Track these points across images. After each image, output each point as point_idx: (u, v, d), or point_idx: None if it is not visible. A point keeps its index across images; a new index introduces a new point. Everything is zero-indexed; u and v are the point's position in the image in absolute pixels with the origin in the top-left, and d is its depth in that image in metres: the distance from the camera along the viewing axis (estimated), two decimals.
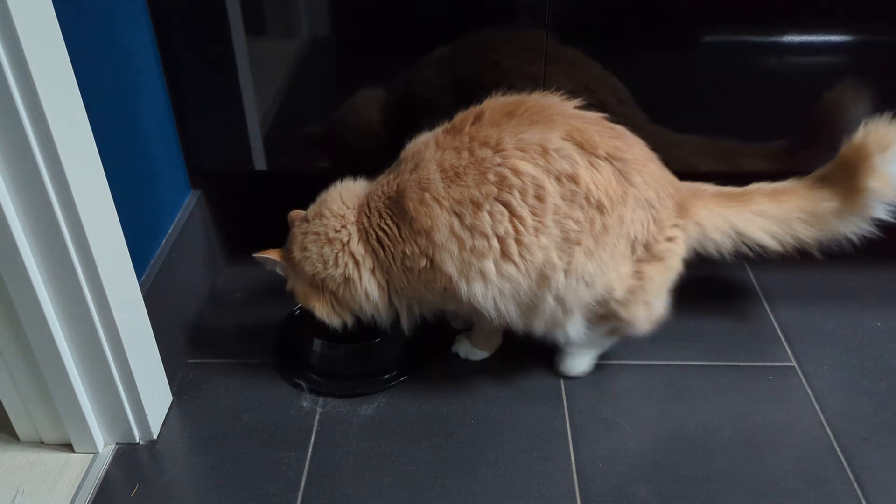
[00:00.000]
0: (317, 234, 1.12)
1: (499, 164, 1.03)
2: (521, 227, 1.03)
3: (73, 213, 0.91)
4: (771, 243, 1.16)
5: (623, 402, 1.18)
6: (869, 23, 1.18)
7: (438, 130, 1.11)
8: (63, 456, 1.11)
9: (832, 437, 1.11)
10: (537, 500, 1.03)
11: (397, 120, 1.30)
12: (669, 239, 1.11)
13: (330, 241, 1.10)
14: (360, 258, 1.10)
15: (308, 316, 1.28)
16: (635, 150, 1.09)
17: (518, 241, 1.04)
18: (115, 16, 1.08)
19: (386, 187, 1.09)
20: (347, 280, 1.11)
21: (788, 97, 1.24)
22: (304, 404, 1.19)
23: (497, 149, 1.04)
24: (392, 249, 1.08)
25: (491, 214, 1.03)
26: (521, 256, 1.04)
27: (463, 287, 1.06)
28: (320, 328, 1.22)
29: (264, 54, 1.24)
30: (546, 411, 1.17)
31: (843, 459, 1.08)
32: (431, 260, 1.06)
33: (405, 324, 1.16)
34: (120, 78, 1.09)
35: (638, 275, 1.10)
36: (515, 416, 1.15)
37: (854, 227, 1.15)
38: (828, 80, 1.23)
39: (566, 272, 1.06)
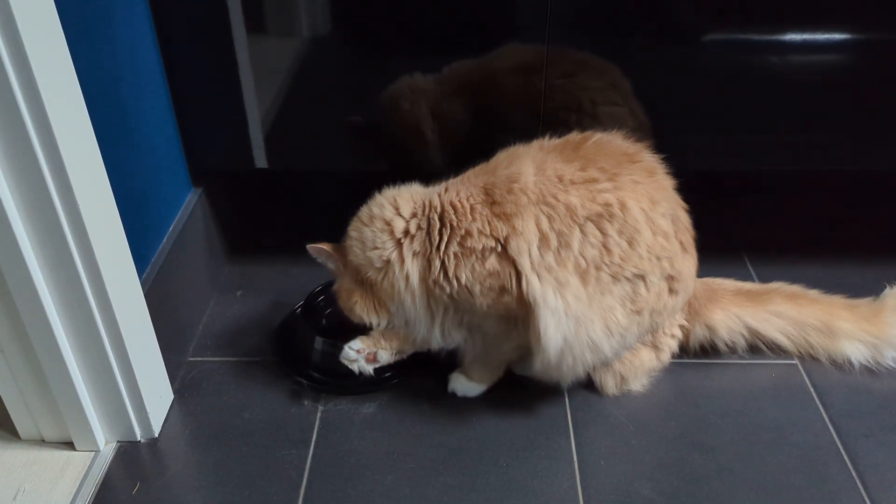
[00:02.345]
0: (360, 218, 1.09)
1: (608, 191, 1.02)
2: (607, 261, 1.01)
3: (74, 211, 0.91)
4: (785, 343, 1.21)
5: (625, 400, 1.18)
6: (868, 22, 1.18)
7: (545, 140, 1.10)
8: (64, 454, 1.11)
9: (835, 435, 1.11)
10: (539, 498, 1.03)
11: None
12: (672, 336, 1.17)
13: (372, 219, 1.06)
14: (400, 235, 1.04)
15: (309, 313, 1.28)
16: (694, 250, 1.12)
17: (598, 273, 1.01)
18: (117, 14, 1.08)
19: (474, 178, 1.06)
20: (388, 264, 1.05)
21: (792, 96, 1.24)
22: (306, 402, 1.19)
23: (611, 177, 1.03)
24: (455, 224, 1.01)
25: (583, 231, 1.01)
26: (591, 295, 1.02)
27: (535, 285, 0.99)
28: (322, 326, 1.22)
29: (265, 52, 1.24)
30: (548, 409, 1.16)
31: (845, 457, 1.08)
32: (504, 246, 1.00)
33: (435, 336, 1.09)
34: (121, 76, 1.09)
35: (632, 350, 1.14)
36: (517, 414, 1.15)
37: (860, 355, 1.20)
38: (829, 78, 1.23)
39: (622, 335, 1.06)
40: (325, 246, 1.11)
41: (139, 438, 1.13)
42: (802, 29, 1.19)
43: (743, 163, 1.36)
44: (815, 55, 1.22)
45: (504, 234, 1.00)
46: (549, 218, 1.00)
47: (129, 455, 1.11)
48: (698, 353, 1.23)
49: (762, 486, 1.04)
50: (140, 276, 1.10)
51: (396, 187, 1.10)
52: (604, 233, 1.01)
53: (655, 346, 1.16)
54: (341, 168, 1.41)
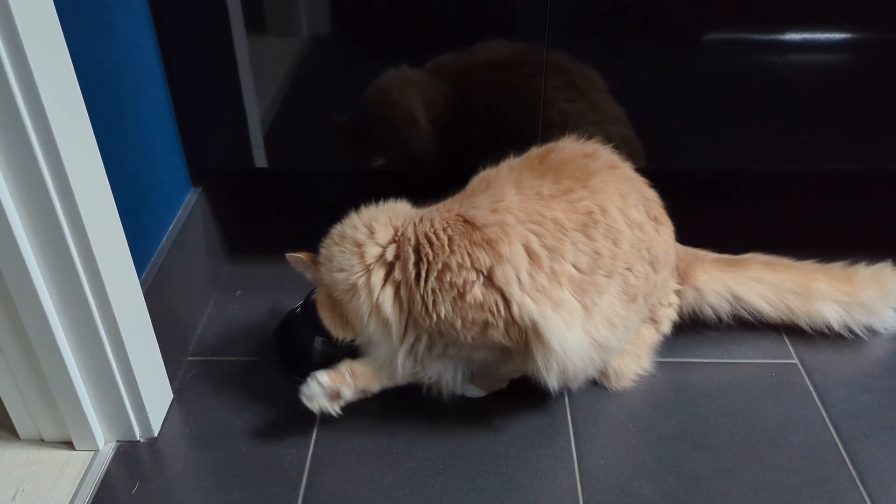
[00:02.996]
0: (331, 236, 1.06)
1: (586, 198, 1.02)
2: (600, 265, 1.02)
3: (73, 211, 0.91)
4: (766, 309, 1.23)
5: (625, 400, 1.18)
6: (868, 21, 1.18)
7: (510, 160, 1.10)
8: (64, 454, 1.11)
9: (835, 434, 1.11)
10: (539, 498, 1.03)
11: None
12: (669, 304, 1.18)
13: (342, 239, 1.03)
14: (371, 261, 1.01)
15: (309, 313, 1.28)
16: (668, 219, 1.13)
17: (593, 278, 1.01)
18: (116, 13, 1.08)
19: (451, 204, 1.04)
20: (354, 288, 1.02)
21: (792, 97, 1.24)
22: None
23: (584, 183, 1.04)
24: (431, 258, 0.98)
25: (574, 241, 1.01)
26: (590, 302, 1.02)
27: (530, 308, 0.97)
28: (321, 326, 1.22)
29: (265, 51, 1.24)
30: (548, 408, 1.16)
31: (845, 456, 1.08)
32: (488, 277, 0.97)
33: (401, 364, 1.05)
34: (121, 75, 1.09)
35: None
36: (517, 414, 1.15)
37: (836, 316, 1.23)
38: (830, 78, 1.23)
39: (625, 326, 1.06)
40: (303, 256, 1.09)
41: (139, 438, 1.13)
42: (798, 28, 1.19)
43: (742, 162, 1.36)
44: (811, 55, 1.22)
45: (487, 265, 0.97)
46: (539, 235, 0.99)
47: (129, 455, 1.11)
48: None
49: (762, 485, 1.04)
50: (139, 276, 1.10)
51: (377, 207, 1.07)
52: (592, 239, 1.02)
53: (654, 321, 1.17)
54: (341, 168, 1.41)
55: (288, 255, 1.10)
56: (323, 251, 1.07)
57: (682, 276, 1.20)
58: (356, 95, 1.28)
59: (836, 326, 1.24)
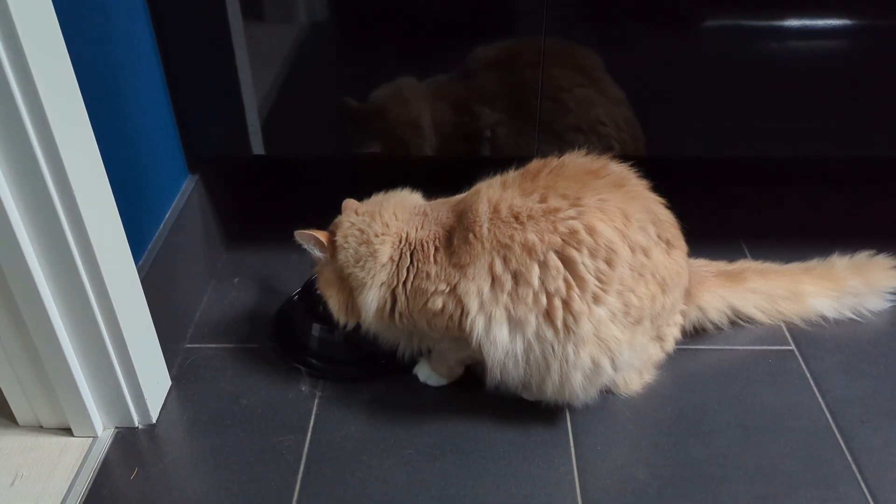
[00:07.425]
0: (361, 231, 1.08)
1: (572, 218, 1.00)
2: (575, 291, 0.99)
3: (70, 198, 0.91)
4: (761, 317, 1.28)
5: None
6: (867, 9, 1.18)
7: (510, 173, 1.09)
8: (62, 440, 1.11)
9: (831, 420, 1.11)
10: (536, 483, 1.03)
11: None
12: (675, 324, 1.18)
13: (367, 243, 1.07)
14: (379, 268, 1.07)
15: (307, 300, 1.28)
16: (682, 241, 1.12)
17: (566, 304, 1.00)
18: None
19: (445, 215, 1.07)
20: (363, 284, 1.08)
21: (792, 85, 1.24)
22: (303, 388, 1.19)
23: (575, 203, 1.02)
24: (420, 265, 1.05)
25: (544, 266, 0.99)
26: (565, 324, 1.00)
27: (480, 327, 1.02)
28: (319, 313, 1.22)
29: (262, 38, 1.24)
30: None
31: (841, 442, 1.08)
32: (453, 288, 1.03)
33: (402, 352, 1.15)
34: (117, 62, 1.09)
35: None
36: (513, 400, 1.15)
37: (828, 307, 1.28)
38: (830, 67, 1.23)
39: (630, 347, 1.05)
40: (319, 235, 1.11)
41: (137, 424, 1.13)
42: (799, 14, 1.18)
43: (742, 149, 1.36)
44: (813, 41, 1.21)
45: (455, 281, 1.03)
46: (505, 260, 1.00)
47: (127, 441, 1.11)
48: (688, 334, 1.24)
49: (758, 470, 1.04)
50: (137, 263, 1.10)
51: (391, 211, 1.09)
52: (569, 261, 0.99)
53: (660, 338, 1.17)
54: (338, 154, 1.41)
55: (298, 232, 1.12)
56: (352, 242, 1.09)
57: (689, 295, 1.19)
58: (353, 82, 1.27)
59: (830, 316, 1.28)
